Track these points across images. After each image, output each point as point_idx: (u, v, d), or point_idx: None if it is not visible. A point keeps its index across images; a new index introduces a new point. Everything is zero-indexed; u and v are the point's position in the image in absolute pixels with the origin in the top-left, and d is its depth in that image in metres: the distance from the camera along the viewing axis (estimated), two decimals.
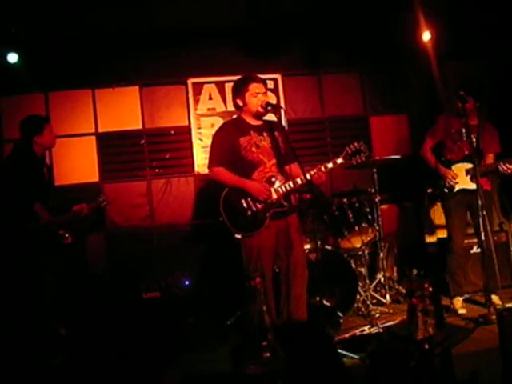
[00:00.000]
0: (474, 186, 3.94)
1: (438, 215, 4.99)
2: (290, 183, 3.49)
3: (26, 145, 3.91)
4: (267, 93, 3.64)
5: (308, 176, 3.37)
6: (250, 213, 3.47)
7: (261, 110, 3.53)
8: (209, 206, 5.04)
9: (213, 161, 3.61)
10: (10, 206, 3.71)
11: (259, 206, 3.48)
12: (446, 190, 4.19)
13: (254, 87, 3.51)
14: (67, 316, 3.97)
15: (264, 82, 3.63)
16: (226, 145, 3.56)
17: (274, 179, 3.53)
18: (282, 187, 3.49)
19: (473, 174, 4.02)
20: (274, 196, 3.49)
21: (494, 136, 4.26)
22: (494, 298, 4.04)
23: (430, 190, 4.34)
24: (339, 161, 3.46)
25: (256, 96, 3.51)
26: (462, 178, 4.14)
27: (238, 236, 3.51)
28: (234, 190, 3.53)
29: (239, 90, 3.57)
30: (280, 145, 3.64)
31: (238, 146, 3.53)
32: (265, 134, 3.61)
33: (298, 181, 3.46)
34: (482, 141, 4.13)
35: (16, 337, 3.72)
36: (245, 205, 3.48)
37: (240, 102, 3.58)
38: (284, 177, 3.57)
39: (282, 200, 3.51)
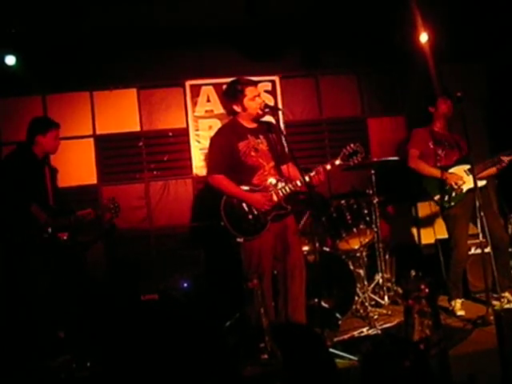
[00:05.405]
0: (480, 183, 3.97)
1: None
2: (291, 186, 3.47)
3: (26, 145, 3.90)
4: (260, 94, 3.63)
5: (307, 178, 3.36)
6: (251, 216, 3.46)
7: (260, 112, 3.52)
8: (207, 207, 5.02)
9: (212, 168, 3.58)
10: (4, 206, 3.70)
11: None
12: (453, 195, 4.09)
13: (251, 91, 3.49)
14: (66, 318, 3.95)
15: (256, 83, 3.62)
16: (224, 150, 3.52)
17: (274, 182, 3.51)
18: (283, 190, 3.48)
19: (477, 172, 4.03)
20: (275, 199, 3.47)
21: (465, 144, 4.25)
22: (508, 294, 4.07)
23: (437, 197, 4.17)
24: (337, 162, 3.46)
25: (254, 100, 3.49)
26: (465, 179, 4.09)
27: (240, 240, 3.47)
28: None
29: (235, 95, 3.52)
30: (276, 146, 3.63)
31: (236, 151, 3.50)
32: (261, 137, 3.60)
33: (298, 183, 3.44)
34: (463, 148, 4.22)
35: (15, 338, 3.71)
36: (246, 208, 3.46)
37: (238, 108, 3.54)
38: (284, 179, 3.55)
39: (283, 202, 3.51)
